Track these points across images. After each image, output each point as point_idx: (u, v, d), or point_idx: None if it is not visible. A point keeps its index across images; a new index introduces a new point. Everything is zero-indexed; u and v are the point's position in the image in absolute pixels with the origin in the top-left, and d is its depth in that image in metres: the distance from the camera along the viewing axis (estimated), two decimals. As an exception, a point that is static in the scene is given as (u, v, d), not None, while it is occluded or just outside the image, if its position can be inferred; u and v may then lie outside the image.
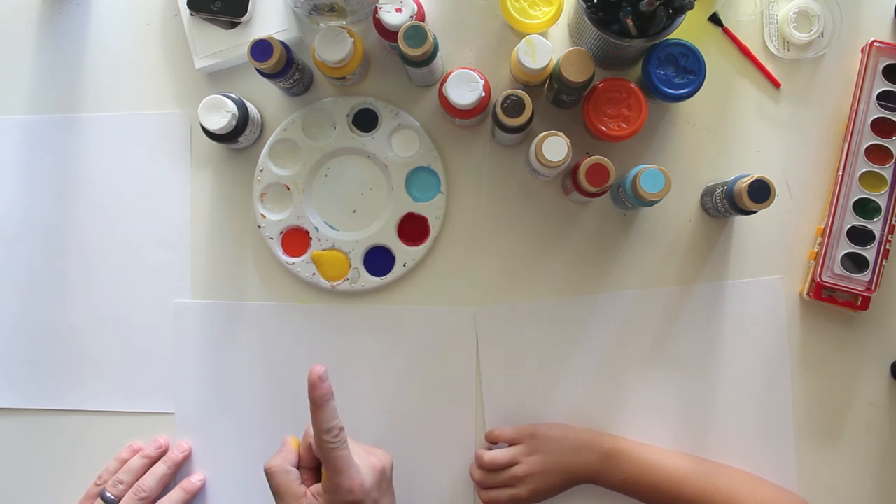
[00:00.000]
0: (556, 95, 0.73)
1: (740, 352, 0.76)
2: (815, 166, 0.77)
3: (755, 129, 0.77)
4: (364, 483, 0.62)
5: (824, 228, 0.74)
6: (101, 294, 0.78)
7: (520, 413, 0.76)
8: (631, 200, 0.70)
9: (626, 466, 0.71)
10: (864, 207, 0.74)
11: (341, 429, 0.63)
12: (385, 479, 0.65)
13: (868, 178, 0.74)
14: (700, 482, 0.70)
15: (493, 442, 0.76)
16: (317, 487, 0.64)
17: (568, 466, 0.72)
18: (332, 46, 0.71)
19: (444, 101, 0.71)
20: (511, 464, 0.73)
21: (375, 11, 0.71)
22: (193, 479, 0.75)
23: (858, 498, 0.75)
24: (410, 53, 0.68)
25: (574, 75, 0.68)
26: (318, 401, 0.62)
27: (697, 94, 0.71)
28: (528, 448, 0.73)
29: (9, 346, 0.79)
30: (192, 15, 0.76)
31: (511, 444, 0.74)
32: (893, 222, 0.73)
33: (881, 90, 0.74)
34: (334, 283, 0.76)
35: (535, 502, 0.73)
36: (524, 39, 0.68)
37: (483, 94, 0.70)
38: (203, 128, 0.73)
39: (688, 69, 0.71)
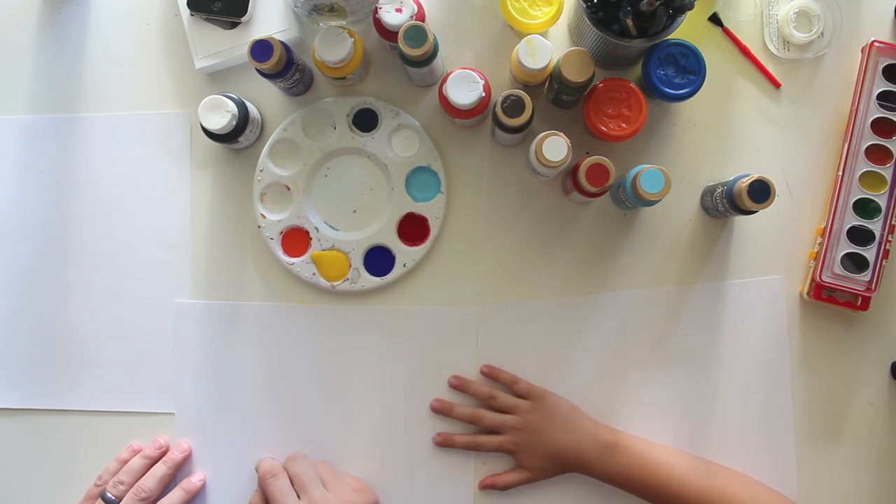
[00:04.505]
0: (556, 95, 0.73)
1: (740, 352, 0.76)
2: (815, 166, 0.77)
3: (755, 129, 0.77)
4: None
5: (824, 228, 0.74)
6: (101, 294, 0.78)
7: (520, 413, 0.76)
8: (631, 200, 0.70)
9: (623, 460, 0.71)
10: (864, 207, 0.74)
11: (275, 472, 0.71)
12: None
13: (868, 178, 0.74)
14: (698, 482, 0.70)
15: (491, 376, 0.76)
16: None
17: (562, 447, 0.72)
18: (332, 46, 0.71)
19: (444, 101, 0.71)
20: (507, 409, 0.74)
21: (375, 11, 0.71)
22: (193, 479, 0.75)
23: (858, 498, 0.75)
24: (410, 53, 0.68)
25: (574, 75, 0.68)
26: (259, 462, 0.74)
27: (697, 94, 0.71)
28: (532, 406, 0.74)
29: (9, 346, 0.79)
30: (192, 15, 0.76)
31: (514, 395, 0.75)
32: (893, 222, 0.73)
33: (881, 90, 0.74)
34: (334, 283, 0.76)
35: (518, 468, 0.74)
36: (524, 39, 0.68)
37: (483, 94, 0.70)
38: (203, 128, 0.73)
39: (688, 69, 0.71)
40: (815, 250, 0.75)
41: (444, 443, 0.75)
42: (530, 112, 0.69)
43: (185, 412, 0.77)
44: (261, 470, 0.72)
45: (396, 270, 0.76)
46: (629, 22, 0.66)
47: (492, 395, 0.74)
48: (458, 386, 0.75)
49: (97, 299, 0.78)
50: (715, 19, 0.77)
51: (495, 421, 0.74)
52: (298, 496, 0.69)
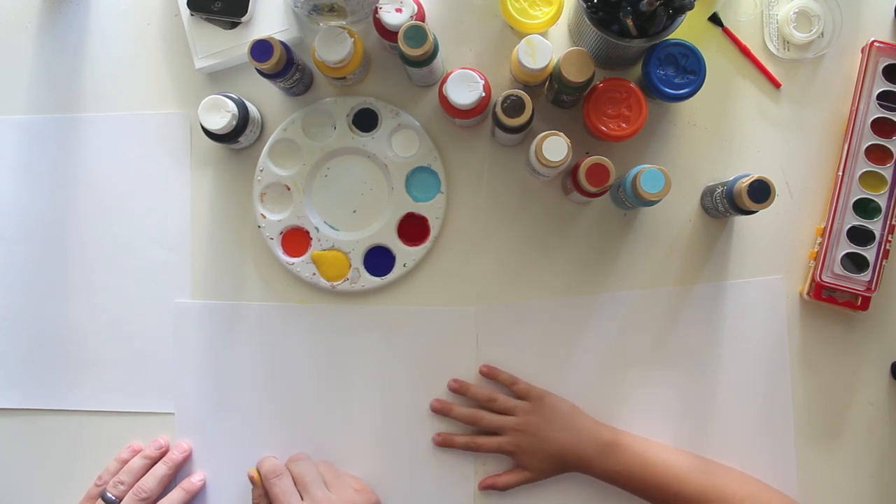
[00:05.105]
0: (556, 95, 0.73)
1: (740, 352, 0.76)
2: (815, 166, 0.77)
3: (755, 129, 0.77)
4: None
5: (824, 228, 0.74)
6: (101, 294, 0.78)
7: (520, 413, 0.76)
8: (631, 200, 0.70)
9: (624, 459, 0.71)
10: (864, 207, 0.74)
11: (279, 472, 0.71)
12: None
13: (868, 178, 0.74)
14: (698, 481, 0.70)
15: (490, 376, 0.76)
16: None
17: (562, 447, 0.72)
18: (332, 46, 0.71)
19: (444, 101, 0.71)
20: (507, 411, 0.74)
21: (375, 11, 0.71)
22: (193, 479, 0.75)
23: (858, 498, 0.75)
24: (410, 53, 0.68)
25: (574, 75, 0.68)
26: (262, 461, 0.74)
27: (697, 94, 0.71)
28: (531, 407, 0.74)
29: (9, 346, 0.79)
30: (192, 15, 0.76)
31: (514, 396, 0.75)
32: (893, 222, 0.73)
33: (881, 90, 0.74)
34: (334, 283, 0.76)
35: (518, 468, 0.74)
36: (524, 39, 0.68)
37: (483, 94, 0.70)
38: (203, 128, 0.73)
39: (688, 69, 0.71)
40: (815, 250, 0.75)
41: (443, 443, 0.75)
42: (530, 112, 0.69)
43: (185, 412, 0.77)
44: (264, 469, 0.72)
45: (396, 270, 0.76)
46: (629, 22, 0.66)
47: (491, 398, 0.74)
48: (458, 389, 0.75)
49: (97, 299, 0.78)
50: (715, 19, 0.77)
51: (494, 422, 0.74)
52: (301, 497, 0.70)
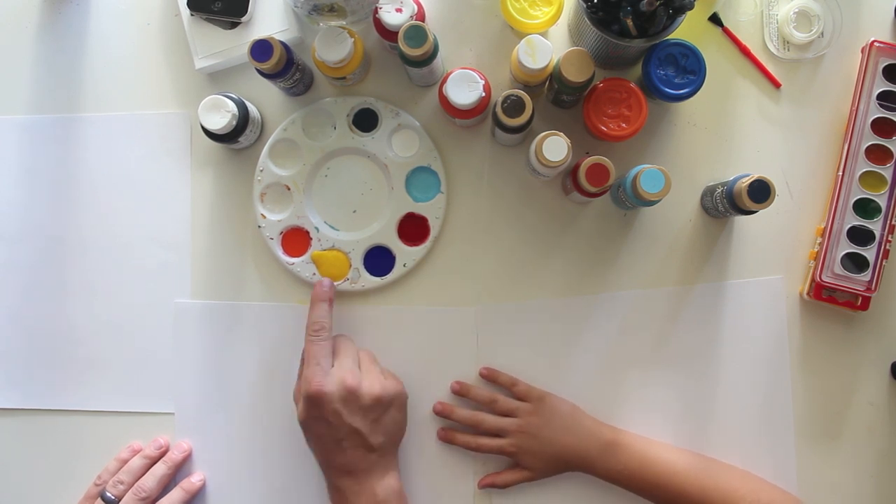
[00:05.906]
0: (556, 95, 0.73)
1: (740, 352, 0.76)
2: (815, 166, 0.77)
3: (755, 129, 0.77)
4: (323, 384, 0.67)
5: (824, 228, 0.74)
6: (101, 294, 0.78)
7: (520, 413, 0.76)
8: (631, 200, 0.70)
9: (625, 458, 0.71)
10: (864, 207, 0.74)
11: (321, 328, 0.70)
12: (358, 402, 0.67)
13: (868, 178, 0.74)
14: (699, 479, 0.70)
15: (490, 379, 0.76)
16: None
17: (563, 447, 0.72)
18: (332, 46, 0.71)
19: (444, 101, 0.71)
20: (508, 413, 0.74)
21: (375, 11, 0.71)
22: (193, 479, 0.75)
23: (858, 498, 0.75)
24: (410, 53, 0.68)
25: (574, 75, 0.68)
26: (314, 298, 0.72)
27: (697, 94, 0.71)
28: (532, 408, 0.74)
29: (9, 346, 0.79)
30: (192, 15, 0.76)
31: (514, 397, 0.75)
32: (893, 222, 0.73)
33: (881, 90, 0.74)
34: (334, 284, 0.76)
35: (518, 467, 0.74)
36: (524, 39, 0.68)
37: (483, 94, 0.70)
38: (203, 128, 0.73)
39: (688, 69, 0.71)
40: (815, 250, 0.75)
41: (445, 438, 0.75)
42: (530, 112, 0.69)
43: (184, 412, 0.77)
44: (310, 320, 0.70)
45: (396, 270, 0.76)
46: (629, 22, 0.66)
47: (493, 399, 0.74)
48: (460, 391, 0.75)
49: (97, 299, 0.78)
50: (715, 19, 0.77)
51: (497, 424, 0.74)
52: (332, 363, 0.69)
